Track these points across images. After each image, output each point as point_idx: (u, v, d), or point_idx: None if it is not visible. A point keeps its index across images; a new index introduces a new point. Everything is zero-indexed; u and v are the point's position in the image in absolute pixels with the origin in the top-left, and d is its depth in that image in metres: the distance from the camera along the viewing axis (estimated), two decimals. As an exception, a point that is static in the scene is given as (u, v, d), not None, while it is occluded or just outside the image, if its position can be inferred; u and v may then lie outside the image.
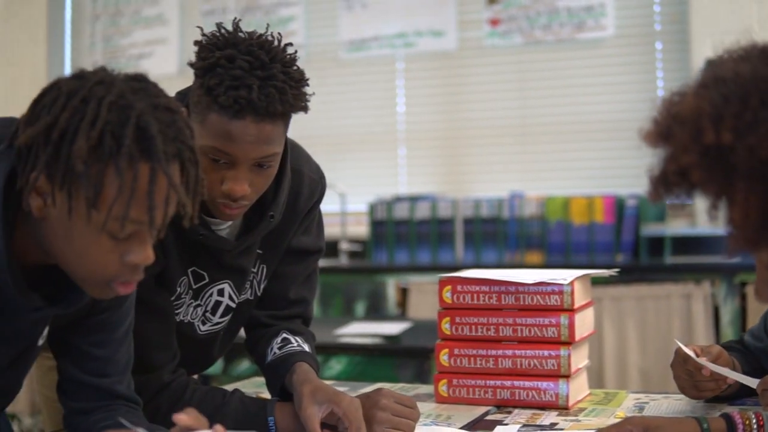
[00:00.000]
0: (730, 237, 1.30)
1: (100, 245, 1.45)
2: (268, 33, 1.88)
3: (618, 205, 4.88)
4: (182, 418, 1.46)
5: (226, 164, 1.86)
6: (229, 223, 2.04)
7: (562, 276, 2.23)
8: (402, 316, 5.03)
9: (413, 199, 5.30)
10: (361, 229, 5.54)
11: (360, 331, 4.14)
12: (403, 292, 5.17)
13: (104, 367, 1.74)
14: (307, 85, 1.89)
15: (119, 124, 1.40)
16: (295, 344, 2.15)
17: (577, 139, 5.39)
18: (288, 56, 1.86)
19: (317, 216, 2.26)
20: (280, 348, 2.15)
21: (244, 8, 6.11)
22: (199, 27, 1.92)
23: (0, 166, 1.47)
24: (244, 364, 3.98)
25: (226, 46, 1.82)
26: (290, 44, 1.89)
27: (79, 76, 1.47)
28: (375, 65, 5.86)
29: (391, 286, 5.22)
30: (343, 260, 5.41)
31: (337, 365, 3.75)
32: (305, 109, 1.89)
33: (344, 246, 5.42)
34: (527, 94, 5.53)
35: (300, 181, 2.16)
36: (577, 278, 2.23)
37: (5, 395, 1.75)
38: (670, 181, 1.32)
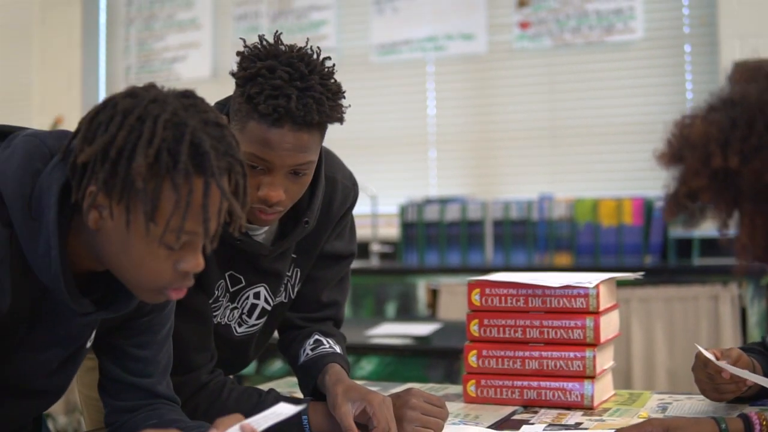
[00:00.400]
0: (739, 252, 1.36)
1: (156, 255, 1.51)
2: (308, 47, 1.95)
3: (646, 207, 4.91)
4: None
5: (262, 171, 1.92)
6: (265, 228, 2.11)
7: (588, 279, 2.28)
8: (432, 317, 5.09)
9: (443, 202, 5.36)
10: (392, 230, 5.59)
11: (390, 332, 4.19)
12: (433, 294, 5.23)
13: (146, 367, 1.81)
14: (344, 97, 1.96)
15: (175, 142, 1.47)
16: (327, 346, 2.22)
17: (606, 141, 5.43)
18: (326, 69, 1.93)
19: (350, 222, 2.33)
20: (312, 349, 2.22)
21: (276, 12, 6.18)
22: (241, 38, 2.00)
23: (54, 178, 1.54)
24: (277, 365, 4.05)
25: (267, 57, 1.89)
26: (328, 58, 1.96)
27: (133, 94, 1.53)
28: (406, 68, 5.92)
29: (422, 287, 5.27)
30: (374, 262, 5.47)
31: (368, 365, 3.80)
32: (341, 120, 1.95)
33: (375, 248, 5.48)
34: (557, 96, 5.57)
35: (334, 188, 2.23)
36: (603, 281, 2.28)
37: (53, 396, 1.81)
38: (681, 201, 1.38)
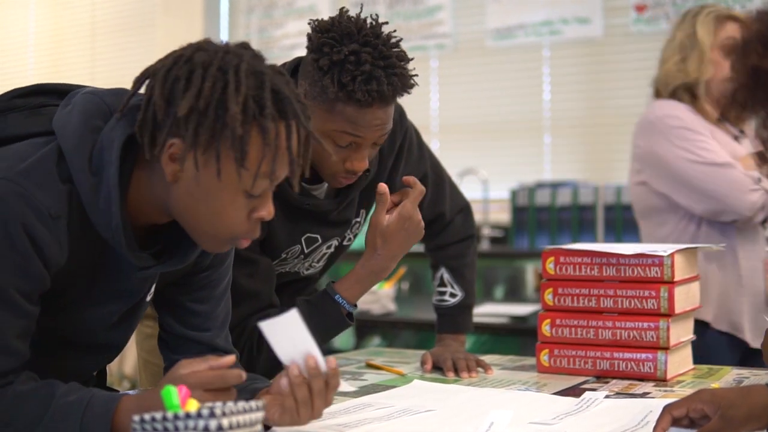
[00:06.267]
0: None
1: (237, 204, 1.57)
2: (366, 15, 2.03)
3: (761, 192, 4.78)
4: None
5: (350, 145, 2.03)
6: (324, 185, 2.18)
7: (663, 248, 2.25)
8: (539, 300, 5.04)
9: (554, 186, 5.31)
10: (503, 216, 5.56)
11: (492, 311, 4.20)
12: (541, 278, 5.17)
13: (204, 322, 1.86)
14: (409, 60, 2.05)
15: (257, 89, 1.53)
16: (447, 297, 2.54)
17: (722, 125, 5.29)
18: (394, 38, 2.02)
19: (405, 152, 2.37)
20: (438, 300, 2.57)
21: (393, -1, 6.22)
22: (310, 19, 2.07)
23: (116, 134, 1.59)
24: (376, 341, 4.09)
25: (344, 39, 1.96)
26: (386, 23, 2.04)
27: (201, 48, 1.58)
28: (521, 53, 5.87)
29: (530, 271, 5.24)
30: (485, 245, 5.44)
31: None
32: (415, 85, 2.05)
33: (486, 232, 5.46)
34: (673, 80, 5.46)
35: None
36: (679, 251, 2.24)
37: (114, 349, 1.87)
38: (730, 97, 1.39)
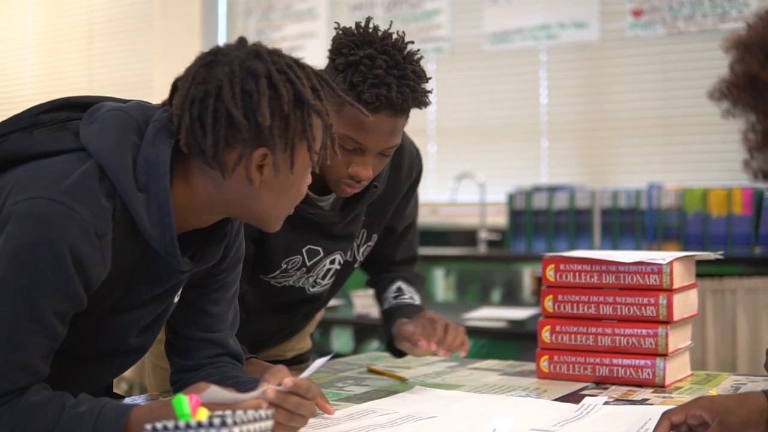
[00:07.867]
0: (745, 165, 1.40)
1: (306, 180, 1.71)
2: (393, 31, 2.08)
3: (756, 197, 4.81)
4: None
5: (354, 151, 2.05)
6: (331, 197, 2.19)
7: (662, 256, 2.28)
8: (536, 304, 5.07)
9: (551, 190, 5.33)
10: (500, 219, 5.59)
11: (489, 315, 4.22)
12: (539, 281, 5.21)
13: (216, 323, 1.90)
14: (428, 81, 2.10)
15: (308, 79, 1.65)
16: (407, 296, 2.48)
17: (718, 130, 5.30)
18: (416, 56, 2.07)
19: (416, 196, 2.47)
20: (394, 297, 2.46)
21: (391, 2, 6.23)
22: (335, 23, 2.14)
23: (161, 149, 1.62)
24: (374, 344, 4.11)
25: (364, 44, 2.02)
26: (412, 42, 2.09)
27: (222, 51, 1.66)
28: (518, 57, 5.90)
29: (527, 275, 5.27)
30: (482, 249, 5.47)
31: (462, 347, 3.83)
32: (428, 103, 2.11)
33: (483, 235, 5.49)
34: (670, 85, 5.49)
35: (401, 154, 2.36)
36: (678, 259, 2.27)
37: (140, 353, 1.88)
38: (720, 90, 1.41)
